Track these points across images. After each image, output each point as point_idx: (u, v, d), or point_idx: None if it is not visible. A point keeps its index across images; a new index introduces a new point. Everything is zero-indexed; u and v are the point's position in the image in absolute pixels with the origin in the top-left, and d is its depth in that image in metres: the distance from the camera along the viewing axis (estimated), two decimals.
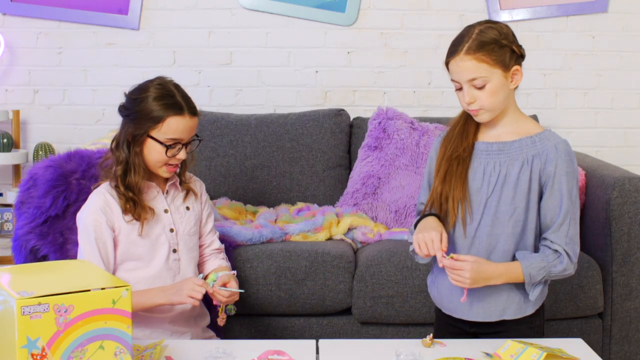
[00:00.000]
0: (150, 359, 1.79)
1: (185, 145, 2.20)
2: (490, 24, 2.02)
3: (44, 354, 1.46)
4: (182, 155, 2.18)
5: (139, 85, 2.21)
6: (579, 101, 3.81)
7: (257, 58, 3.77)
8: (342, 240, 3.04)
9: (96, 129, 3.76)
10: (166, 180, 2.27)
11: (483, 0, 3.74)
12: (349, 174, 3.41)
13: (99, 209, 2.18)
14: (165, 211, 2.26)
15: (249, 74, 3.78)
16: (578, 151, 3.62)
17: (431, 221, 2.05)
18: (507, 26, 2.04)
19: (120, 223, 2.19)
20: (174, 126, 2.15)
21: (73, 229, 2.42)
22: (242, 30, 3.76)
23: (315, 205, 3.33)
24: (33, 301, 1.44)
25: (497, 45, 1.97)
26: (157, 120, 2.14)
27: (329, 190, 3.41)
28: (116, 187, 2.19)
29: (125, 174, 2.18)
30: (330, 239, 3.04)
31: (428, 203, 2.10)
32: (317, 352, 1.91)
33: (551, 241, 2.00)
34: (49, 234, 2.56)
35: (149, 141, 2.17)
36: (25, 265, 1.88)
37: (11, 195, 3.56)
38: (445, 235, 1.99)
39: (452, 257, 1.96)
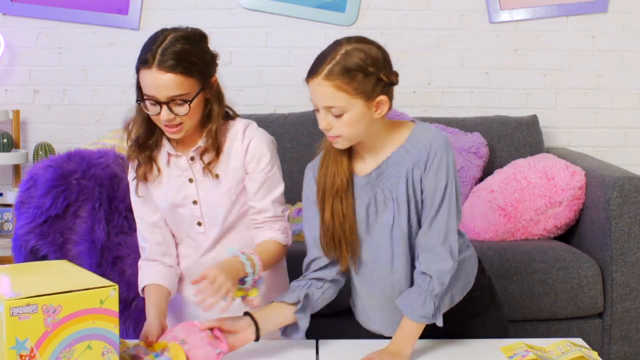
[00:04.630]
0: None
1: (167, 105, 1.90)
2: (360, 44, 1.77)
3: (32, 354, 1.45)
4: (164, 115, 1.90)
5: None
6: (579, 101, 3.80)
7: (257, 58, 3.77)
8: None
9: (96, 129, 3.75)
10: (193, 145, 2.04)
11: (483, 0, 3.74)
12: None
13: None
14: (190, 180, 2.06)
15: (249, 74, 3.77)
16: (578, 151, 3.62)
17: None
18: (379, 49, 1.79)
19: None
20: (143, 80, 1.91)
21: (73, 229, 2.42)
22: (242, 30, 3.76)
23: None
24: (22, 302, 1.43)
25: (361, 72, 1.74)
26: (136, 71, 1.96)
27: None
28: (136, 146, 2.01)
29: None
30: None
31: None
32: (317, 352, 1.91)
33: (419, 262, 1.81)
34: (49, 234, 2.56)
35: None
36: (13, 265, 1.86)
37: (11, 195, 3.56)
38: None
39: None
